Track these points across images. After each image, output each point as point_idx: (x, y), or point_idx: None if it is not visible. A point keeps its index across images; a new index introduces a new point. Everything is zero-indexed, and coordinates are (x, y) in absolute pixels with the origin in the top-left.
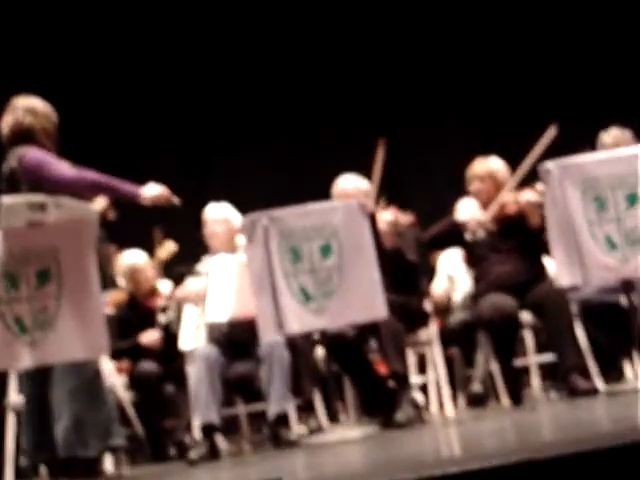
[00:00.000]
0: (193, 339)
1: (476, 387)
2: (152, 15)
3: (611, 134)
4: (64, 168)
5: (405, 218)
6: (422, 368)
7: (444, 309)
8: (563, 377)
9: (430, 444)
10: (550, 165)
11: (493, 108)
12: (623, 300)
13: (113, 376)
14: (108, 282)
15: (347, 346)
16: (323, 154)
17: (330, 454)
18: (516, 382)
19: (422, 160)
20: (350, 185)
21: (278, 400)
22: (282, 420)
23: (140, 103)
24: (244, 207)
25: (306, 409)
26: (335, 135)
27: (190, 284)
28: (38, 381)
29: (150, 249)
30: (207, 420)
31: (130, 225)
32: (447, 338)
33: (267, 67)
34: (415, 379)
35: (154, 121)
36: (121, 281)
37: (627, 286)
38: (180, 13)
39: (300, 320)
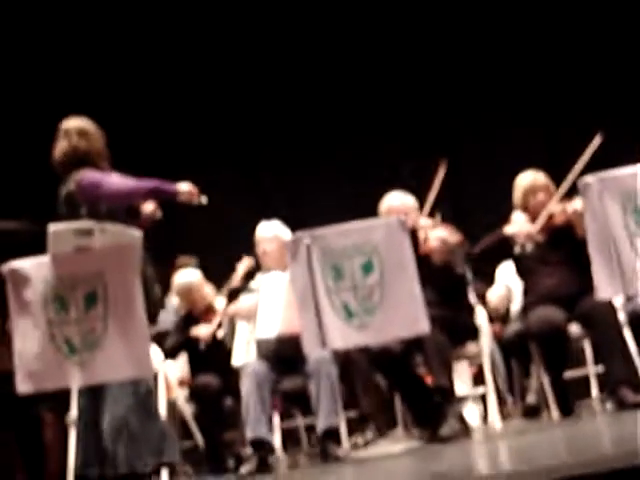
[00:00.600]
0: (244, 355)
1: (530, 398)
2: (218, 31)
3: None
4: (118, 182)
5: (454, 237)
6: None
7: (503, 318)
8: (612, 390)
9: (469, 458)
10: (589, 179)
11: (551, 123)
12: None
13: (174, 389)
14: (155, 302)
15: (393, 361)
16: (383, 172)
17: (375, 469)
18: (566, 394)
19: (482, 176)
20: (397, 201)
21: (326, 415)
22: (331, 435)
23: (207, 120)
24: (306, 225)
25: (362, 421)
26: (394, 152)
27: (242, 301)
28: (90, 399)
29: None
30: (257, 435)
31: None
32: (507, 349)
33: (329, 87)
34: (474, 391)
35: (218, 137)
36: (175, 300)
37: None
38: (249, 29)
39: (343, 336)
